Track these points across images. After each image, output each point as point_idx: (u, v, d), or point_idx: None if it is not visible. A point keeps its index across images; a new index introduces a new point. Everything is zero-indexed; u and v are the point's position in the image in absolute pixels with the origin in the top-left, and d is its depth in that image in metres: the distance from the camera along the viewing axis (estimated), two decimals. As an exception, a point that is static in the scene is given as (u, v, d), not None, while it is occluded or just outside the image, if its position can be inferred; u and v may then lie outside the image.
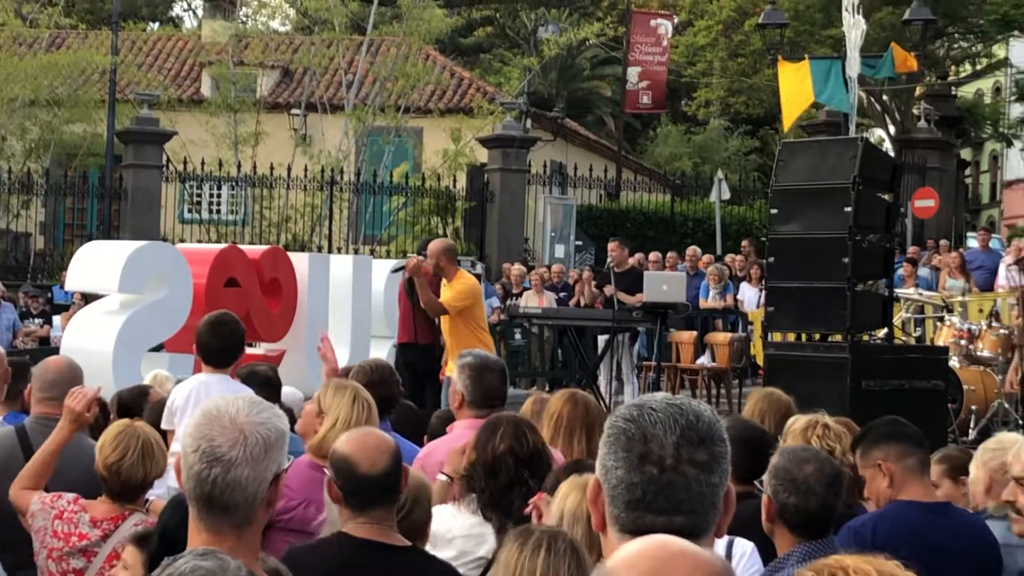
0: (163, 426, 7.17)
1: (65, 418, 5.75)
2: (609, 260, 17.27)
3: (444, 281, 12.42)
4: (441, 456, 6.25)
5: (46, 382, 6.24)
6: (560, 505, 4.34)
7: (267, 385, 7.60)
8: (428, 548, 5.19)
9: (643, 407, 2.72)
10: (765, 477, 4.84)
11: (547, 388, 19.59)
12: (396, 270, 14.89)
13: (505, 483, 5.30)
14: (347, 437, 4.65)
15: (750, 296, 21.74)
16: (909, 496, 5.43)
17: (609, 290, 16.99)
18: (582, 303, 19.52)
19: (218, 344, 7.67)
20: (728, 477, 2.73)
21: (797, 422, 6.12)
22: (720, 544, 4.87)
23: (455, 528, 5.40)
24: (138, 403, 7.84)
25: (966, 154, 49.52)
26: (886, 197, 11.70)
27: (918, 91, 35.55)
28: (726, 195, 29.92)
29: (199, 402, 6.90)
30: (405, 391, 9.18)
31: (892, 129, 36.03)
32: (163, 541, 4.69)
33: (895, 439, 5.51)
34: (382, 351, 15.52)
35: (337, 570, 4.20)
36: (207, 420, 3.22)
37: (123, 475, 5.46)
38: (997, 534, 5.51)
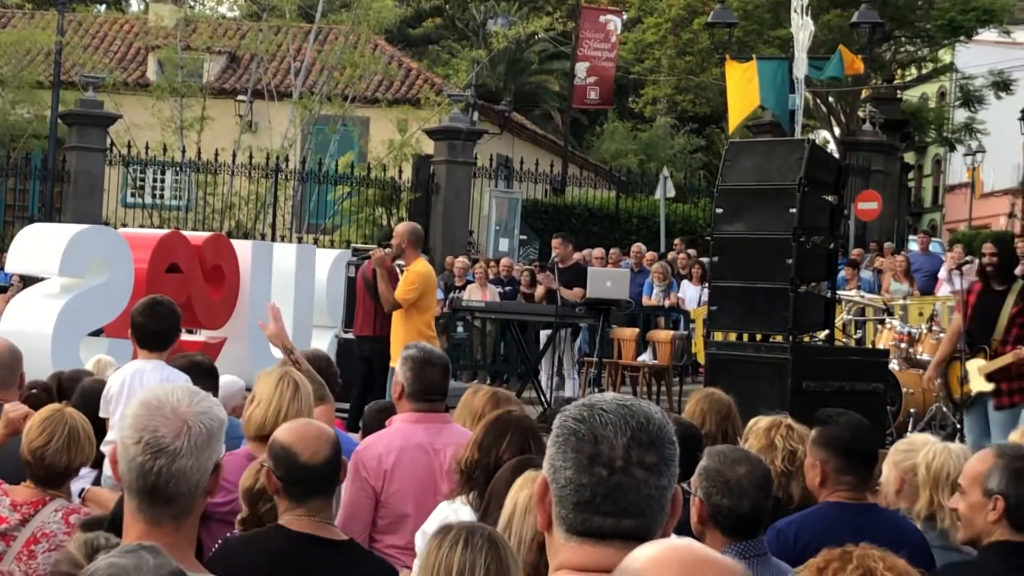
0: (100, 414, 7.09)
1: (0, 423, 5.68)
2: (553, 256, 17.28)
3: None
4: (379, 449, 6.22)
5: (-14, 364, 6.17)
6: (513, 498, 4.34)
7: (209, 375, 7.53)
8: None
9: (593, 407, 2.70)
10: (694, 479, 4.84)
11: (488, 381, 19.59)
12: (360, 259, 14.75)
13: (503, 490, 5.25)
14: (287, 427, 4.62)
15: (691, 294, 21.81)
16: (837, 498, 5.47)
17: (547, 280, 16.94)
18: (537, 298, 19.44)
19: (154, 326, 7.56)
20: (676, 479, 2.72)
21: (760, 422, 6.13)
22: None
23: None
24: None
25: (910, 158, 49.89)
26: (831, 199, 11.76)
27: (864, 94, 35.73)
28: (671, 193, 30.03)
29: (134, 390, 6.84)
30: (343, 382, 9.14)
31: (837, 131, 36.22)
32: (113, 530, 4.65)
33: (839, 451, 5.52)
34: (324, 341, 15.48)
35: (273, 563, 4.16)
36: (148, 411, 3.18)
37: (47, 460, 5.39)
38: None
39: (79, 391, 7.41)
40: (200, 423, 3.20)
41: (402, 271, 12.80)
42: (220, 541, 4.66)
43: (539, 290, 18.14)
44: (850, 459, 5.55)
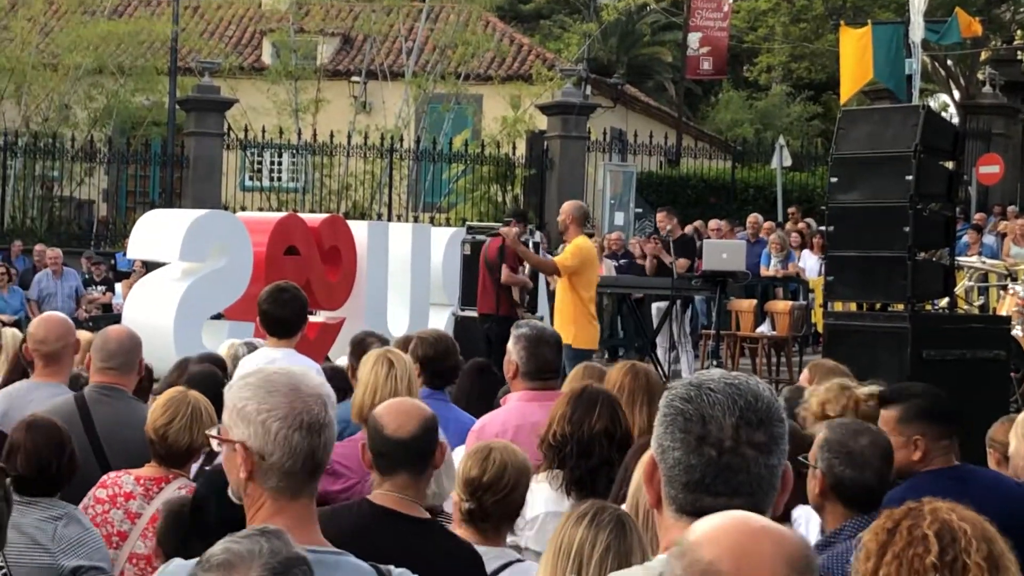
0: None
1: None
2: (662, 230, 17.23)
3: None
4: (495, 428, 6.25)
5: (107, 352, 6.27)
6: (637, 478, 4.37)
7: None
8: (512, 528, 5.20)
9: (701, 387, 2.71)
10: (813, 451, 4.80)
11: (606, 356, 19.58)
12: (488, 235, 14.79)
13: (596, 463, 5.26)
14: (384, 404, 4.66)
15: (812, 264, 21.62)
16: (939, 464, 5.44)
17: (655, 249, 16.81)
18: (648, 270, 19.38)
19: (280, 314, 7.59)
20: (786, 456, 2.73)
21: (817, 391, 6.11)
22: (802, 513, 4.86)
23: (538, 504, 5.36)
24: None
25: (1032, 119, 48.91)
26: (948, 165, 11.59)
27: (983, 56, 35.13)
28: (788, 162, 29.72)
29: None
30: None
31: (956, 94, 35.68)
32: (195, 513, 4.71)
33: (934, 420, 5.47)
34: (441, 319, 15.58)
35: (351, 535, 4.18)
36: (293, 395, 3.23)
37: (170, 439, 5.51)
38: None
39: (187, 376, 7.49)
40: (330, 392, 3.31)
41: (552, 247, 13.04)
42: None
43: (649, 262, 18.04)
44: (946, 424, 5.51)
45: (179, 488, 5.51)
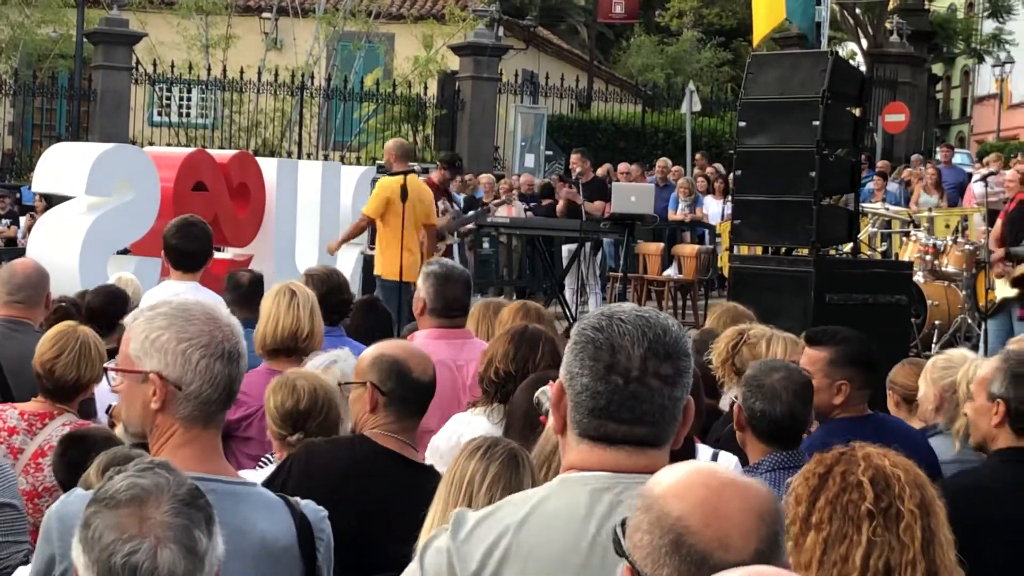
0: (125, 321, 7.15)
1: None
2: (574, 171, 17.29)
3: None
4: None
5: (13, 285, 6.23)
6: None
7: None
8: (445, 455, 5.25)
9: (612, 317, 2.77)
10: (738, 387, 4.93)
11: (514, 297, 19.65)
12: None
13: (523, 404, 5.32)
14: (392, 344, 4.67)
15: (714, 209, 21.82)
16: (852, 412, 5.52)
17: (570, 194, 16.92)
18: (557, 212, 19.47)
19: (187, 247, 7.54)
20: (689, 390, 2.79)
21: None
22: (705, 455, 4.95)
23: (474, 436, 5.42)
24: (112, 308, 7.79)
25: (938, 69, 49.49)
26: (855, 112, 11.71)
27: (891, 5, 35.41)
28: (697, 107, 29.86)
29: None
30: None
31: (864, 43, 35.94)
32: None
33: (863, 367, 5.56)
34: (350, 258, 15.55)
35: (354, 473, 4.19)
36: (212, 325, 3.23)
37: (56, 374, 5.47)
38: (941, 450, 5.59)
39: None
40: (239, 324, 3.31)
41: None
42: (304, 445, 4.67)
43: (560, 204, 18.12)
44: (872, 372, 5.62)
45: (63, 424, 5.46)
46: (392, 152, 13.60)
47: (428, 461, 5.32)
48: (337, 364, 5.41)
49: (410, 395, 4.44)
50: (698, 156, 26.13)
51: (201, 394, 3.20)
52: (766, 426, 4.81)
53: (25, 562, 4.95)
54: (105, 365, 3.50)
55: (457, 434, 5.45)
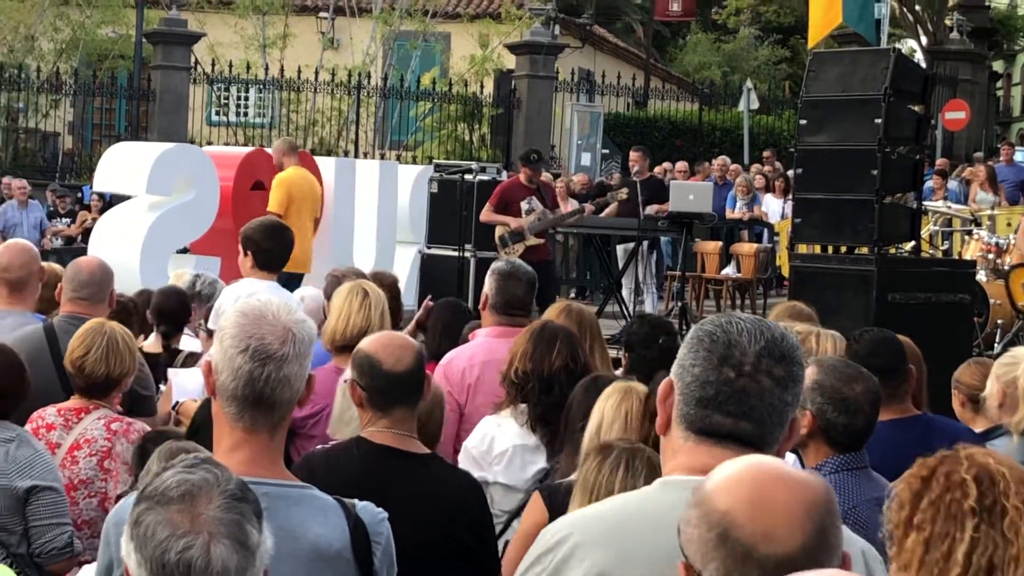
0: (210, 325, 7.22)
1: None
2: (632, 169, 17.20)
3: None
4: (462, 363, 6.29)
5: (78, 282, 6.28)
6: (600, 407, 4.40)
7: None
8: (478, 459, 5.24)
9: (732, 316, 2.81)
10: (805, 393, 4.82)
11: (572, 295, 19.63)
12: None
13: (557, 399, 5.30)
14: (370, 338, 4.66)
15: (774, 207, 21.70)
16: (893, 415, 5.44)
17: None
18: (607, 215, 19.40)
19: (277, 250, 7.69)
20: (799, 403, 2.79)
21: None
22: None
23: (506, 438, 5.41)
24: (182, 310, 7.87)
25: (998, 66, 49.09)
26: (917, 109, 11.60)
27: (951, 2, 35.14)
28: (755, 105, 29.74)
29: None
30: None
31: (924, 40, 35.69)
32: (192, 439, 4.75)
33: (879, 373, 5.45)
34: (407, 257, 15.59)
35: (354, 477, 4.16)
36: (252, 320, 3.24)
37: (87, 370, 5.55)
38: (1005, 452, 5.51)
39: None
40: (302, 331, 3.27)
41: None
42: (301, 457, 4.70)
43: (610, 209, 17.95)
44: (894, 378, 5.53)
45: (98, 419, 5.55)
46: (282, 151, 13.49)
47: (461, 466, 5.33)
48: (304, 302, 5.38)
49: (386, 386, 4.39)
50: (766, 153, 25.96)
51: (227, 387, 3.22)
52: (845, 438, 4.72)
53: (69, 543, 5.04)
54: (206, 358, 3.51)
55: (489, 436, 5.45)
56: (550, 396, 5.37)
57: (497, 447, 5.39)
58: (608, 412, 4.41)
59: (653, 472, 3.70)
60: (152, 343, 7.69)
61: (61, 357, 5.91)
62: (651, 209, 16.34)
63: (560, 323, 6.02)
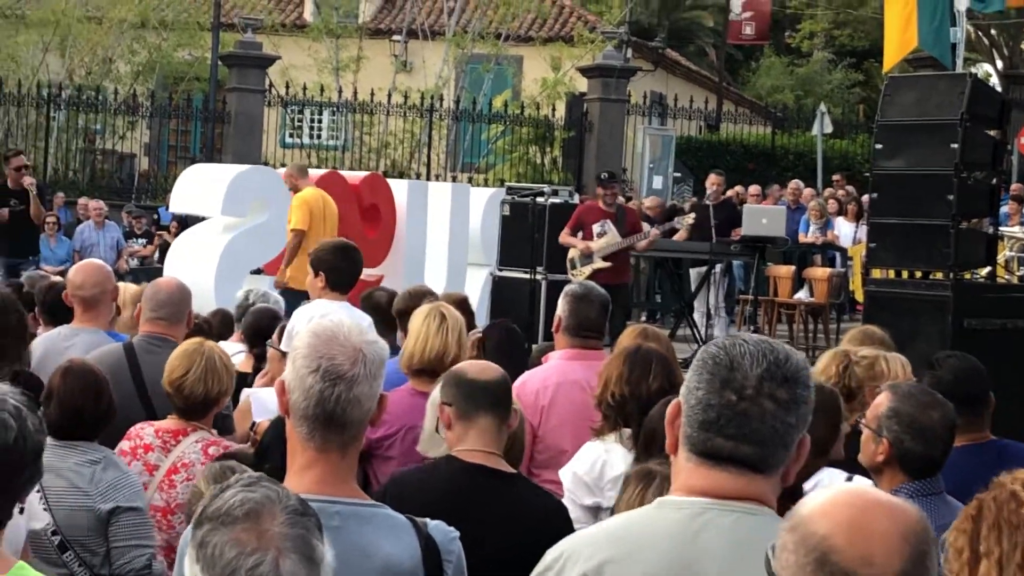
0: (283, 347, 7.28)
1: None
2: (708, 191, 17.15)
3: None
4: (536, 385, 6.30)
5: (157, 302, 6.34)
6: None
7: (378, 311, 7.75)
8: (591, 485, 5.23)
9: (736, 338, 2.83)
10: (876, 415, 4.78)
11: (643, 319, 19.58)
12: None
13: (661, 425, 5.26)
14: (461, 364, 4.71)
15: (846, 232, 21.58)
16: (966, 440, 5.38)
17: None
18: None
19: (350, 270, 7.79)
20: (806, 425, 2.79)
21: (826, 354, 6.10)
22: (839, 479, 4.87)
23: (618, 464, 5.38)
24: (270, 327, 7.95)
25: (1076, 91, 48.45)
26: (993, 134, 11.51)
27: (1028, 25, 34.82)
28: (828, 129, 29.57)
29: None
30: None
31: (1000, 64, 35.40)
32: (261, 459, 4.79)
33: (958, 401, 5.38)
34: (479, 279, 15.62)
35: (443, 495, 4.17)
36: (323, 340, 3.25)
37: (185, 391, 5.58)
38: None
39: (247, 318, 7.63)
40: (373, 351, 3.28)
41: None
42: (390, 476, 4.71)
43: (681, 232, 17.84)
44: (972, 405, 5.49)
45: (196, 442, 5.58)
46: (293, 175, 13.62)
47: (567, 487, 5.31)
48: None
49: (471, 393, 4.45)
50: (836, 177, 25.82)
51: (299, 406, 3.23)
52: (920, 465, 4.69)
53: (148, 565, 5.08)
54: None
55: (600, 462, 5.42)
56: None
57: (610, 472, 5.36)
58: None
59: None
60: (244, 362, 7.75)
61: (141, 376, 5.95)
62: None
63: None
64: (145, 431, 5.64)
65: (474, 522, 3.46)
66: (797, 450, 2.78)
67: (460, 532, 3.41)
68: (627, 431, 5.38)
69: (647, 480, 3.90)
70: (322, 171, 17.24)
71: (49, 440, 4.89)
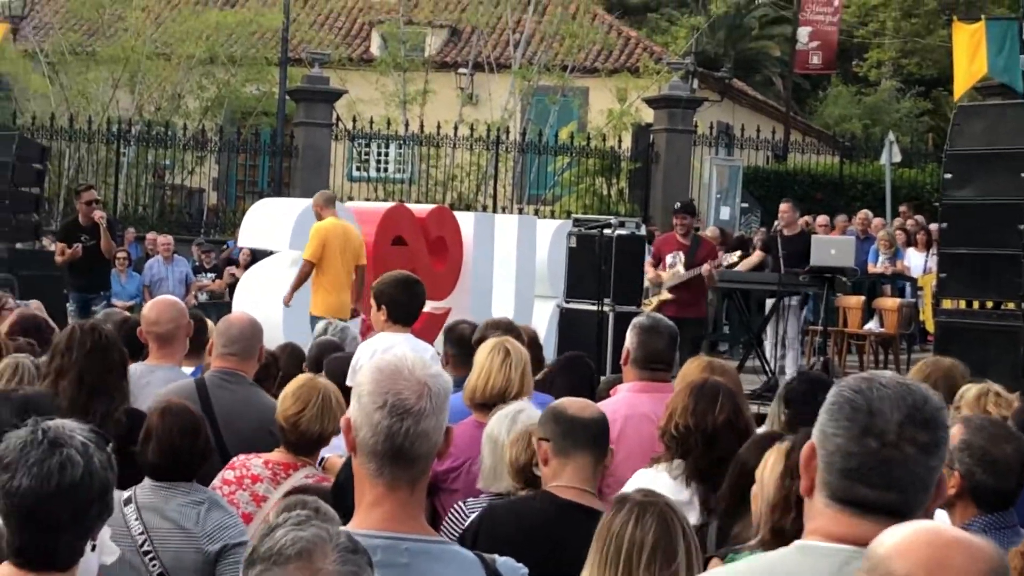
0: (348, 382, 7.30)
1: None
2: (778, 222, 17.05)
3: None
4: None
5: (229, 337, 6.37)
6: (762, 465, 4.38)
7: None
8: None
9: (872, 381, 2.77)
10: (953, 453, 4.73)
11: (710, 350, 19.49)
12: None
13: (721, 455, 5.27)
14: (556, 401, 4.73)
15: (916, 262, 21.42)
16: None
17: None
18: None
19: (413, 304, 7.86)
20: (944, 463, 2.76)
21: (970, 390, 6.05)
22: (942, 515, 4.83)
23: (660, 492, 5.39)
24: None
25: None
26: (1065, 163, 11.43)
27: (1099, 52, 34.46)
28: (897, 158, 29.35)
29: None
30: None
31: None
32: (338, 496, 4.79)
33: None
34: (546, 311, 15.61)
35: (537, 530, 4.18)
36: (387, 375, 3.23)
37: (301, 427, 5.60)
38: None
39: (327, 363, 7.67)
40: (438, 384, 3.27)
41: None
42: (486, 509, 4.70)
43: (749, 261, 17.68)
44: None
45: (306, 477, 5.59)
46: (319, 204, 13.81)
47: None
48: (523, 414, 5.44)
49: (570, 430, 4.47)
50: (902, 207, 25.65)
51: (367, 443, 3.21)
52: (993, 498, 4.65)
53: None
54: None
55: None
56: (712, 451, 5.33)
57: None
58: (769, 471, 4.36)
59: (663, 523, 3.72)
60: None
61: (212, 412, 5.98)
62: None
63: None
64: (252, 461, 5.66)
65: (567, 560, 3.45)
66: (937, 488, 2.75)
67: (552, 569, 3.38)
68: (678, 461, 5.37)
69: (619, 505, 3.86)
70: (389, 204, 17.34)
71: (149, 481, 4.96)
